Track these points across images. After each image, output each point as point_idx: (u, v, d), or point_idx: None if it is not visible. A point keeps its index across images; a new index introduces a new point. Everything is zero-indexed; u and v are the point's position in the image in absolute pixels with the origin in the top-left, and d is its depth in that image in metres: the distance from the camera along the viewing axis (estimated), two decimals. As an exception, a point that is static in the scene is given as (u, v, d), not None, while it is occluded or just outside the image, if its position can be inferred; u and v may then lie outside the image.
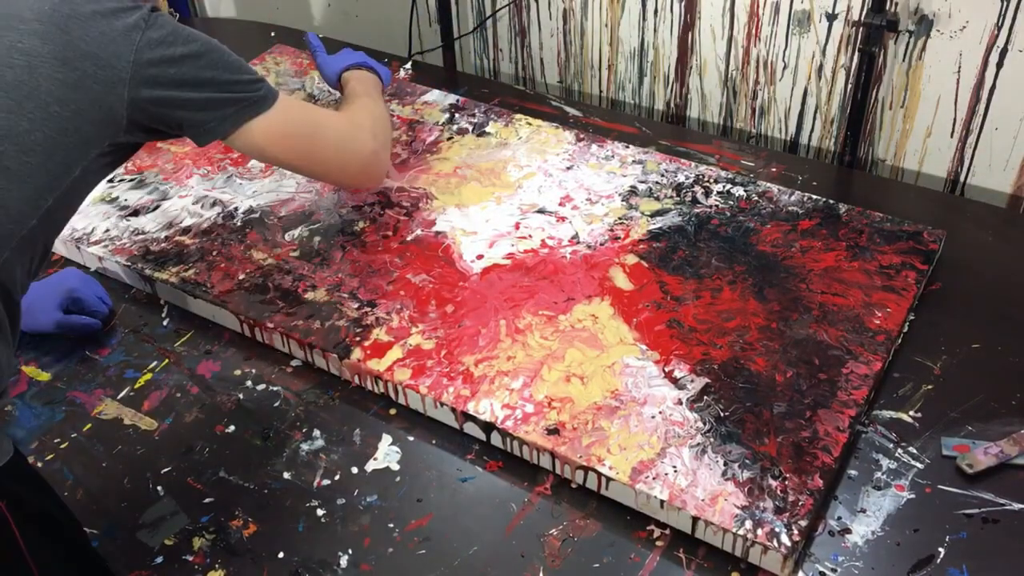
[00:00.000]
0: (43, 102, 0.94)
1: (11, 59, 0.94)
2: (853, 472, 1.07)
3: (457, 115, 1.65)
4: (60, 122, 0.95)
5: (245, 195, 1.49)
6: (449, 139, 1.60)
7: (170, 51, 1.04)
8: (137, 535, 1.05)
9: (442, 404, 1.14)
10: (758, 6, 1.58)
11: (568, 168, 1.51)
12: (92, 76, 0.97)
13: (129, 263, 1.37)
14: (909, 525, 1.02)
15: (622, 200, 1.44)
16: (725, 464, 1.04)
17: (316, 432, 1.16)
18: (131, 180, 1.54)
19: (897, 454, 1.09)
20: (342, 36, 2.02)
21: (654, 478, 1.03)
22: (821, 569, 0.98)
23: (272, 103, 1.16)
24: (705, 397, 1.12)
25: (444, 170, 1.52)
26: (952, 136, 1.53)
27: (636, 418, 1.10)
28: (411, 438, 1.15)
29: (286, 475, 1.11)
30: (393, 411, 1.19)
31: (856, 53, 1.51)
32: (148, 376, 1.24)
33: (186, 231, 1.42)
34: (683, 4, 1.66)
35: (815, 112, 1.64)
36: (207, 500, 1.09)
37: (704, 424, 1.09)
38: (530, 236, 1.38)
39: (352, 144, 1.28)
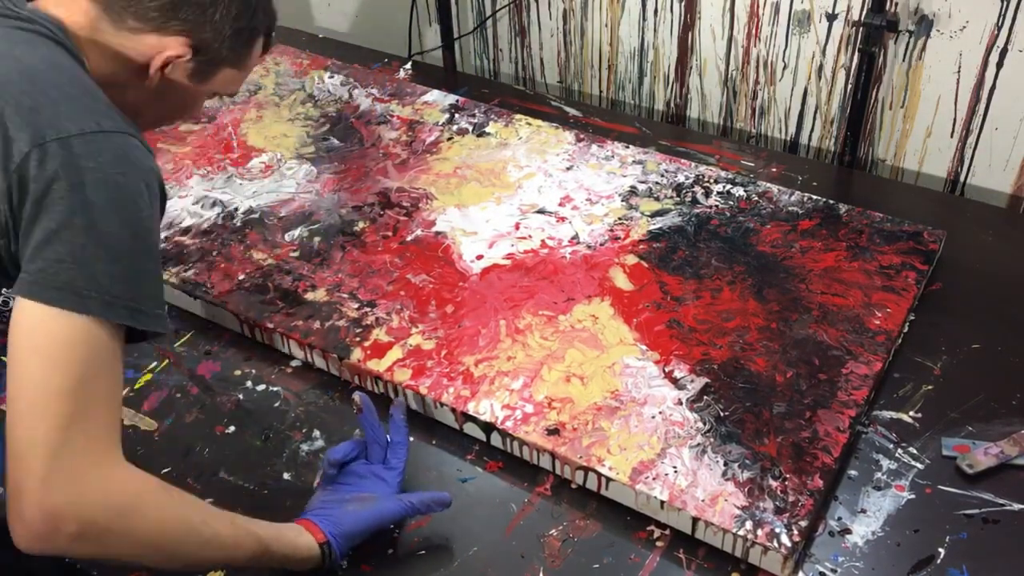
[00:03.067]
0: None
1: None
2: (853, 472, 1.07)
3: (457, 115, 1.65)
4: None
5: (245, 195, 1.49)
6: (449, 139, 1.60)
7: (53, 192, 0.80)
8: (137, 535, 1.05)
9: (442, 404, 1.14)
10: (758, 6, 1.58)
11: (568, 168, 1.51)
12: None
13: (129, 263, 1.37)
14: (909, 525, 1.02)
15: (622, 200, 1.44)
16: (725, 464, 1.04)
17: (316, 432, 1.16)
18: (131, 180, 1.54)
19: (897, 454, 1.09)
20: (342, 36, 2.02)
21: (654, 478, 1.03)
22: (821, 569, 0.98)
23: (102, 321, 0.81)
24: (705, 397, 1.12)
25: (444, 170, 1.52)
26: (952, 136, 1.53)
27: (636, 418, 1.10)
28: (411, 438, 1.15)
29: (286, 475, 1.11)
30: (393, 411, 1.19)
31: (856, 53, 1.51)
32: (148, 376, 1.24)
33: (186, 231, 1.42)
34: (683, 4, 1.66)
35: (815, 112, 1.64)
36: (207, 500, 1.09)
37: (704, 424, 1.09)
38: (530, 236, 1.38)
39: (41, 456, 0.78)
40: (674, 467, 1.04)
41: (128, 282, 0.83)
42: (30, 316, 0.79)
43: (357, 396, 1.05)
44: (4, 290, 0.85)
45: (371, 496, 1.01)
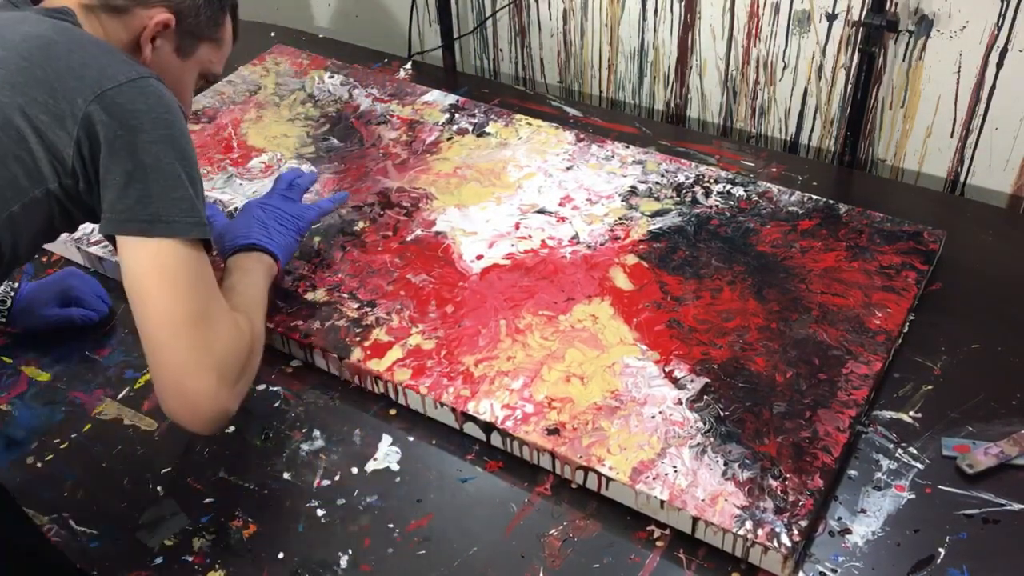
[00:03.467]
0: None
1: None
2: (853, 472, 1.07)
3: (457, 115, 1.65)
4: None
5: (245, 195, 1.49)
6: (449, 139, 1.60)
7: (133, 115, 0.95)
8: (137, 535, 1.05)
9: (442, 404, 1.14)
10: (758, 6, 1.58)
11: (568, 168, 1.51)
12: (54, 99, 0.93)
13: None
14: (909, 525, 1.02)
15: (622, 200, 1.44)
16: (725, 464, 1.04)
17: (316, 432, 1.16)
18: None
19: (897, 454, 1.09)
20: (342, 36, 2.02)
21: (654, 478, 1.03)
22: (821, 569, 0.98)
23: (183, 236, 0.96)
24: (705, 397, 1.12)
25: (444, 170, 1.52)
26: (952, 136, 1.53)
27: (636, 418, 1.10)
28: (411, 438, 1.15)
29: (286, 475, 1.11)
30: (393, 411, 1.18)
31: (856, 53, 1.51)
32: (148, 376, 1.24)
33: (186, 231, 1.42)
34: (683, 4, 1.66)
35: (815, 112, 1.64)
36: (207, 500, 1.09)
37: (704, 424, 1.09)
38: (530, 236, 1.38)
39: (202, 373, 0.96)
40: (674, 467, 1.04)
41: (193, 203, 0.97)
42: (133, 252, 0.95)
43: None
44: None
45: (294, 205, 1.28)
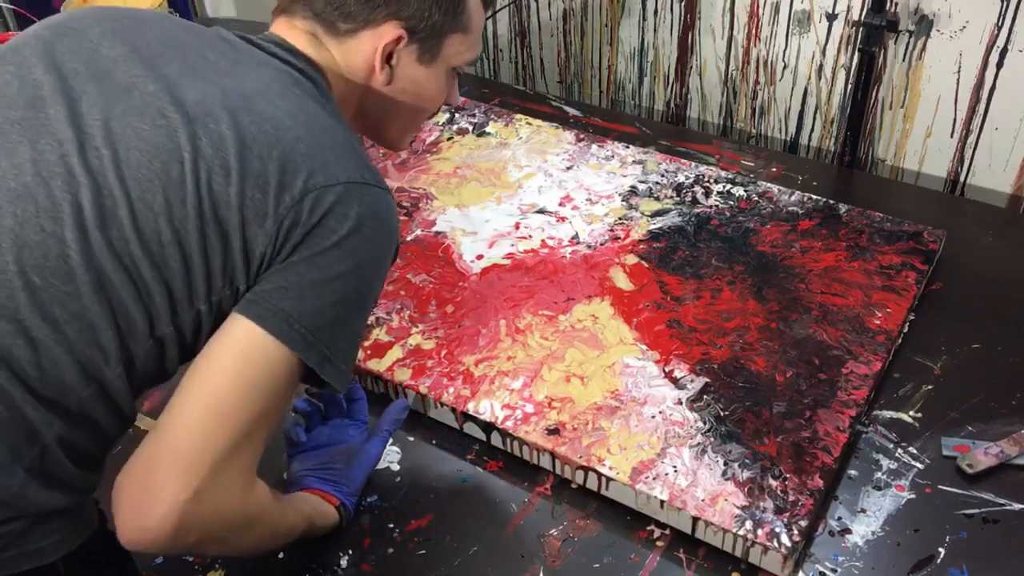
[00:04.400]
0: (195, 210, 0.79)
1: (182, 153, 0.79)
2: (853, 472, 1.07)
3: (457, 115, 1.65)
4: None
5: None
6: (449, 139, 1.60)
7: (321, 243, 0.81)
8: (137, 535, 1.05)
9: (442, 404, 1.14)
10: (758, 6, 1.58)
11: (568, 168, 1.51)
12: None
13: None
14: (909, 525, 1.02)
15: (622, 200, 1.44)
16: (725, 464, 1.04)
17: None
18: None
19: (897, 454, 1.09)
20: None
21: (654, 478, 1.03)
22: (821, 569, 0.98)
23: (298, 356, 0.81)
24: (705, 397, 1.12)
25: (444, 170, 1.52)
26: (952, 136, 1.53)
27: (636, 418, 1.10)
28: (411, 438, 1.15)
29: (286, 475, 1.11)
30: (393, 411, 1.18)
31: (856, 53, 1.51)
32: (148, 376, 1.24)
33: (186, 231, 1.42)
34: (683, 4, 1.66)
35: (815, 112, 1.64)
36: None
37: (704, 424, 1.09)
38: (530, 236, 1.38)
39: (183, 472, 0.77)
40: (674, 467, 1.04)
41: (334, 331, 0.82)
42: (239, 328, 0.80)
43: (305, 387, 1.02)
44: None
45: (351, 447, 1.05)
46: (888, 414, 1.14)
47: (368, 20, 0.91)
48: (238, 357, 0.79)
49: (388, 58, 0.93)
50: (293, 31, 0.94)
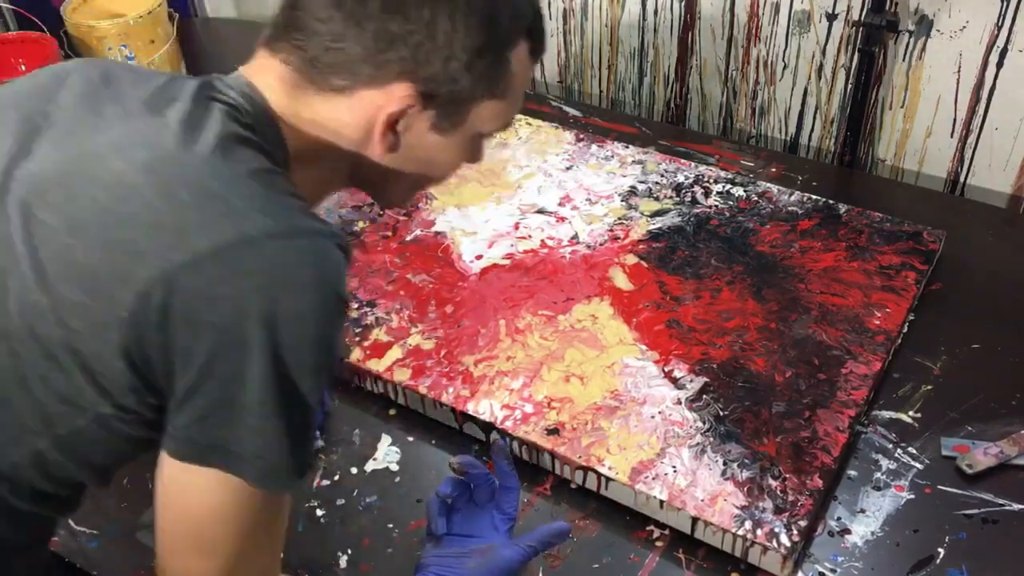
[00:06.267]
0: (12, 334, 0.66)
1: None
2: (853, 472, 1.07)
3: (457, 115, 1.65)
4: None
5: (245, 195, 1.49)
6: (449, 139, 1.60)
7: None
8: (137, 535, 1.05)
9: (442, 404, 1.14)
10: (758, 6, 1.58)
11: (568, 168, 1.51)
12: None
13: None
14: (909, 525, 1.02)
15: (622, 200, 1.44)
16: (724, 464, 1.04)
17: (315, 432, 1.16)
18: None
19: (897, 454, 1.09)
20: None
21: (654, 478, 1.03)
22: (821, 569, 0.98)
23: (254, 485, 0.69)
24: (704, 397, 1.12)
25: (444, 170, 1.52)
26: (952, 136, 1.53)
27: (636, 418, 1.10)
28: (411, 438, 1.15)
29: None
30: (393, 411, 1.18)
31: (856, 53, 1.51)
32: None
33: (186, 231, 1.42)
34: (683, 4, 1.66)
35: (815, 112, 1.64)
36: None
37: (703, 424, 1.09)
38: (530, 236, 1.38)
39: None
40: (673, 467, 1.04)
41: (279, 440, 0.68)
42: (177, 477, 0.68)
43: (457, 461, 0.95)
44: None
45: (489, 547, 0.92)
46: (888, 414, 1.13)
47: (373, 76, 0.73)
48: (191, 507, 0.69)
49: (393, 123, 0.76)
50: (263, 73, 0.77)
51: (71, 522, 1.06)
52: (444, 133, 0.79)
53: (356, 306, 1.27)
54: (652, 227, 1.38)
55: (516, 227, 1.40)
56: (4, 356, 0.65)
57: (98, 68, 0.78)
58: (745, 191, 1.44)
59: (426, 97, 0.75)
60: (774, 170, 1.53)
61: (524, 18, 0.78)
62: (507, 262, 1.33)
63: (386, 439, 1.15)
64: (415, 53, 0.72)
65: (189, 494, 0.68)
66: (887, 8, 1.43)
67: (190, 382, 0.65)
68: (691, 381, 1.14)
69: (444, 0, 0.73)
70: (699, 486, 1.02)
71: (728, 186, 1.45)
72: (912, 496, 1.04)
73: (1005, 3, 1.37)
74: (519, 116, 1.62)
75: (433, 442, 1.15)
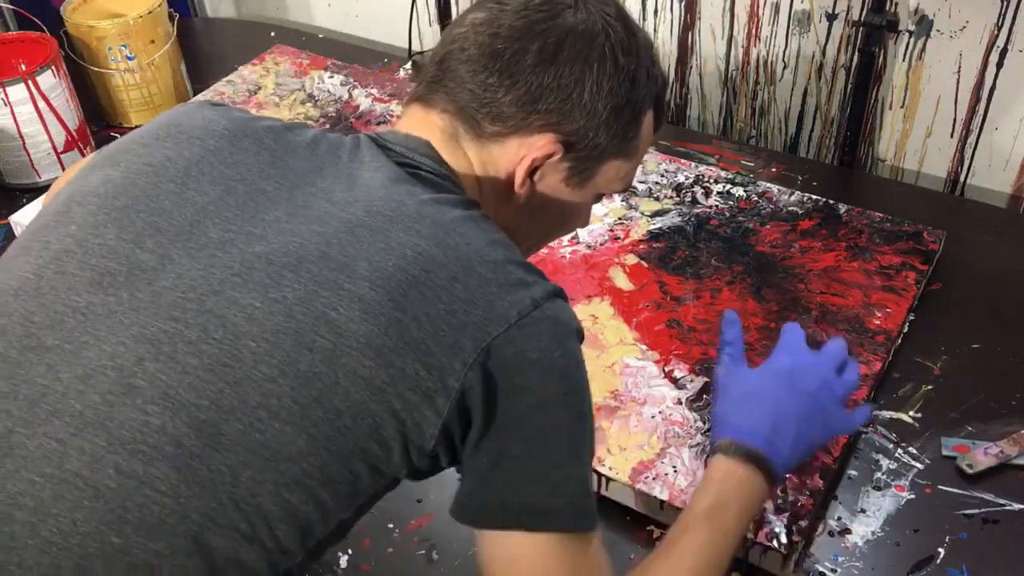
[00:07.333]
0: (333, 410, 0.64)
1: (314, 335, 0.64)
2: (853, 472, 1.07)
3: (457, 115, 1.65)
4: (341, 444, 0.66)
5: (245, 195, 1.49)
6: (449, 139, 1.59)
7: (523, 376, 0.69)
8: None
9: (442, 404, 1.14)
10: (758, 6, 1.58)
11: (568, 168, 1.51)
12: (407, 378, 0.66)
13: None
14: (909, 525, 1.02)
15: (622, 200, 1.44)
16: (725, 464, 1.04)
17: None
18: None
19: (897, 454, 1.09)
20: (342, 36, 2.02)
21: (654, 478, 1.03)
22: (821, 569, 0.98)
23: (576, 531, 0.71)
24: (704, 396, 1.12)
25: (444, 170, 1.52)
26: (952, 136, 1.53)
27: (636, 418, 1.10)
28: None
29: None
30: (393, 411, 1.18)
31: (856, 53, 1.51)
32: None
33: (186, 231, 1.42)
34: (683, 4, 1.66)
35: (815, 112, 1.64)
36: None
37: (704, 424, 1.09)
38: (530, 236, 1.37)
39: None
40: (674, 467, 1.04)
41: (584, 482, 0.72)
42: (505, 548, 0.70)
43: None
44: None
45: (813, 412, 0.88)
46: (888, 414, 1.13)
47: (520, 126, 0.78)
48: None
49: (532, 171, 0.80)
50: (428, 127, 0.81)
51: None
52: (573, 187, 0.83)
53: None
54: (652, 227, 1.38)
55: (516, 227, 1.39)
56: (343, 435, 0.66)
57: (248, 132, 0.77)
58: (745, 191, 1.44)
59: (566, 148, 0.80)
60: (774, 170, 1.53)
61: (656, 84, 0.85)
62: (507, 262, 1.33)
63: (386, 439, 1.15)
64: (562, 106, 0.78)
65: (521, 563, 0.70)
66: (887, 8, 1.43)
67: (500, 445, 0.69)
68: (691, 381, 1.14)
69: (593, 59, 0.78)
70: (699, 486, 1.02)
71: (728, 186, 1.45)
72: (912, 496, 1.04)
73: (1005, 3, 1.37)
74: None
75: (433, 442, 1.14)
